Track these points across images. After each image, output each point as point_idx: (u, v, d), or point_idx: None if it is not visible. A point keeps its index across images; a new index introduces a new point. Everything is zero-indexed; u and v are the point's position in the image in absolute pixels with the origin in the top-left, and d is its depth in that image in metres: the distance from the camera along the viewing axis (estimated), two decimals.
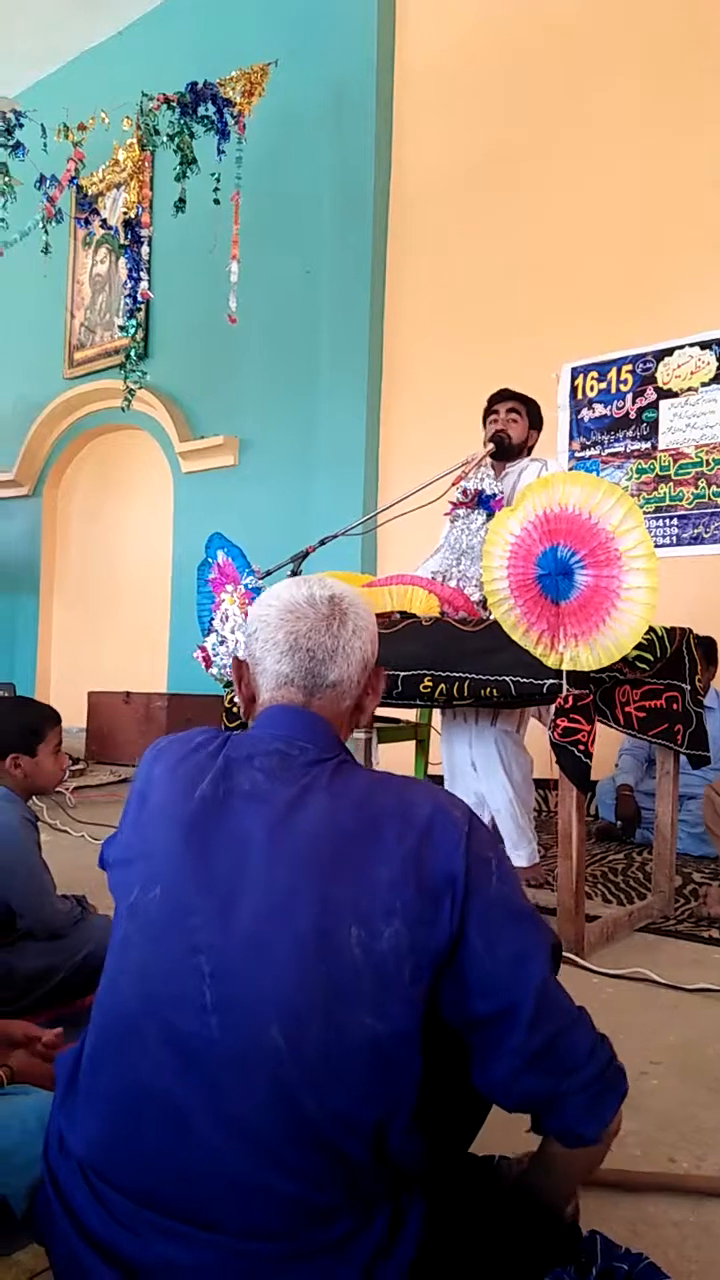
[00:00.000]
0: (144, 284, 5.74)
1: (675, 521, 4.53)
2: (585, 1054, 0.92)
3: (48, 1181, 0.95)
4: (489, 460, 3.14)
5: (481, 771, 3.19)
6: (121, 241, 5.86)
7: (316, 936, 0.87)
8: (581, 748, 2.34)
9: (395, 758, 4.47)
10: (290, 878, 0.90)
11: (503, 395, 3.36)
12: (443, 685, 2.55)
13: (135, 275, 5.72)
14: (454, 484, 3.06)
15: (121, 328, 6.36)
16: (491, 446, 3.17)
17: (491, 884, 0.93)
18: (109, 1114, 0.91)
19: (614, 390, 4.78)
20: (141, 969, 0.92)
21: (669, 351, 4.59)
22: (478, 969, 0.91)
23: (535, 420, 3.37)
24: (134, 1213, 0.87)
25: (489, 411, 3.36)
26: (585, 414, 4.88)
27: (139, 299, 5.77)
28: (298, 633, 1.05)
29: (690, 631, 2.81)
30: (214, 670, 3.03)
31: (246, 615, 2.33)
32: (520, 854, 3.21)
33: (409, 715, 3.91)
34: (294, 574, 2.93)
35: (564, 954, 2.35)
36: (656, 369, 4.63)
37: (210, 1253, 0.84)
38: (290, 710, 1.04)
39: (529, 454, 3.37)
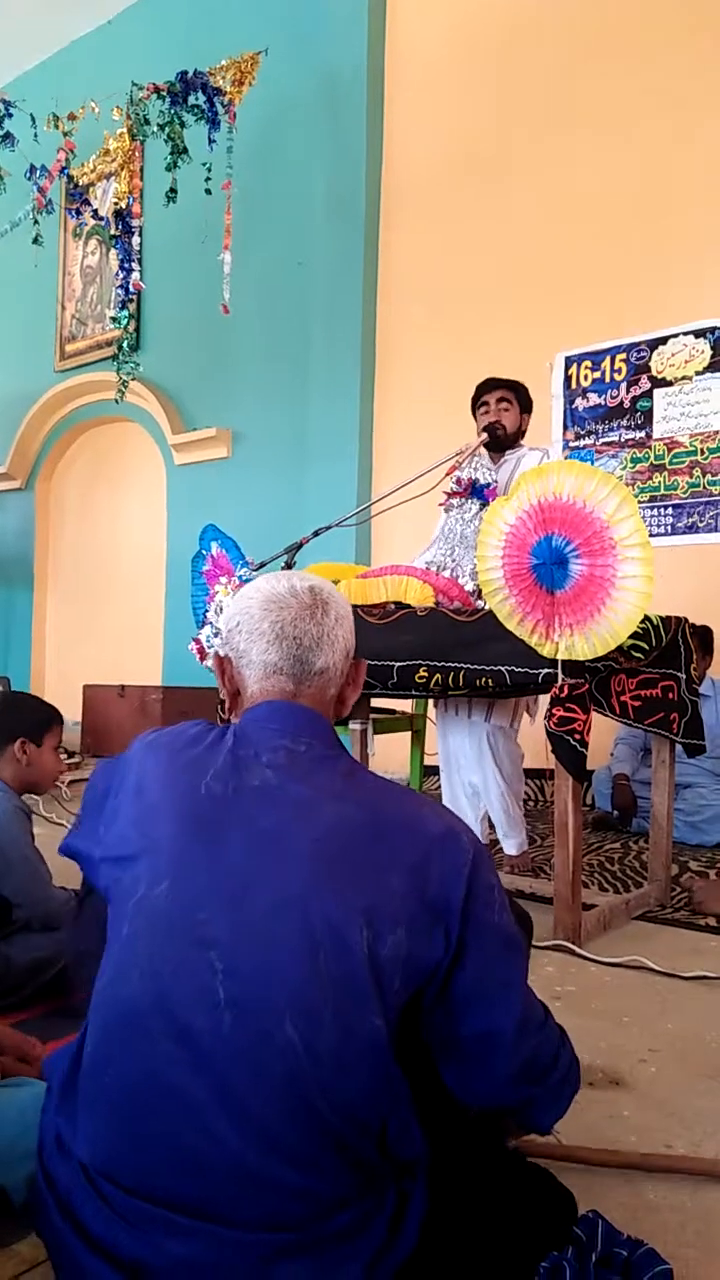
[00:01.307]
0: (135, 275, 5.70)
1: (670, 510, 4.53)
2: (551, 1060, 0.98)
3: (44, 1185, 0.94)
4: (483, 449, 3.12)
5: (475, 763, 3.20)
6: (112, 232, 5.82)
7: (327, 935, 0.87)
8: (577, 737, 2.34)
9: (391, 749, 4.48)
10: (302, 875, 0.90)
11: (490, 385, 3.30)
12: (438, 675, 2.54)
13: (126, 266, 5.67)
14: (448, 474, 3.05)
15: (113, 319, 6.32)
16: (485, 436, 3.15)
17: (493, 912, 0.96)
18: (116, 1112, 0.90)
19: (608, 379, 4.77)
20: (150, 965, 0.91)
21: (663, 340, 4.58)
22: (467, 992, 0.94)
23: (526, 405, 3.33)
24: (142, 1210, 0.86)
25: (478, 402, 3.31)
26: (579, 403, 4.87)
27: (130, 290, 5.73)
28: (283, 621, 1.05)
29: (685, 620, 2.81)
30: (209, 662, 3.03)
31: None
32: (511, 843, 3.23)
33: (404, 706, 3.91)
34: (287, 566, 2.93)
35: (561, 943, 2.37)
36: (651, 358, 4.62)
37: (218, 1246, 0.84)
38: (285, 705, 1.04)
39: (523, 438, 3.34)
